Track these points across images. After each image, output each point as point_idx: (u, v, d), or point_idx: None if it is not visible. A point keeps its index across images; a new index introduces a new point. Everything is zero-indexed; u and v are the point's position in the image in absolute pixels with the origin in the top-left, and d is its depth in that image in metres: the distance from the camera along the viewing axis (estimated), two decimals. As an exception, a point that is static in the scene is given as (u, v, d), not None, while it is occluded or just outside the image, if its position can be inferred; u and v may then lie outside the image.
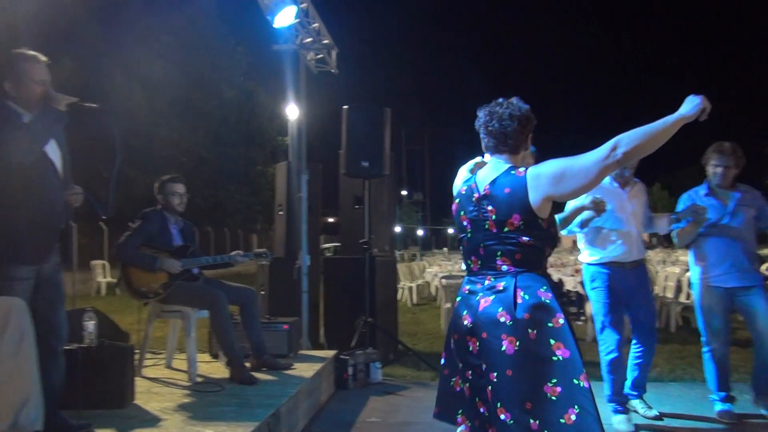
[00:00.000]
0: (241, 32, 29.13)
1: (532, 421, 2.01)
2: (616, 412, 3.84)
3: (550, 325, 2.05)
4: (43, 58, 2.75)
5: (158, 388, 3.84)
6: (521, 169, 2.18)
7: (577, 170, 2.03)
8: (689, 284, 7.81)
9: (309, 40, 6.40)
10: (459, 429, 2.28)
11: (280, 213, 6.63)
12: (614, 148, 1.97)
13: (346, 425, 3.94)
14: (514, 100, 2.29)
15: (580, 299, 7.36)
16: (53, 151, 2.75)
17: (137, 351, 3.91)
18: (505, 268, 2.16)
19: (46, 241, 2.70)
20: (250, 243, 28.66)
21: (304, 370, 4.32)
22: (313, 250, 6.33)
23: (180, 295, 4.13)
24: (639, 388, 4.04)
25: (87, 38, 17.92)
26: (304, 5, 5.98)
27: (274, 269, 6.26)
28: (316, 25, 6.41)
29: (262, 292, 6.29)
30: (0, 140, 2.55)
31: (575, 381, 2.00)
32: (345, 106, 5.79)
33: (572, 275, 7.97)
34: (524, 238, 2.13)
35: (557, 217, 3.91)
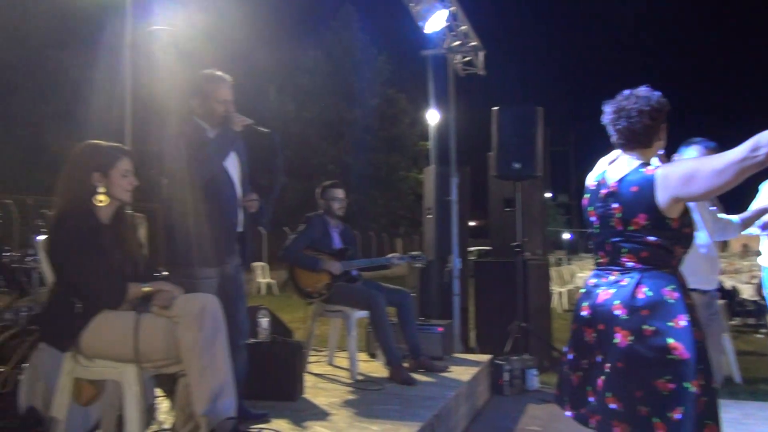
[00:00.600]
0: (383, 41, 29.93)
1: (641, 407, 2.01)
2: None
3: (669, 324, 2.01)
4: (228, 78, 2.99)
5: (323, 384, 4.02)
6: (651, 167, 2.11)
7: (709, 171, 1.93)
8: None
9: (457, 43, 6.40)
10: (566, 414, 2.32)
11: (429, 216, 6.70)
12: (755, 149, 1.82)
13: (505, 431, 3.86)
14: (641, 90, 2.17)
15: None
16: (232, 164, 2.98)
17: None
18: (630, 264, 2.14)
19: (227, 245, 2.93)
20: (395, 247, 29.29)
21: (460, 373, 4.31)
22: (462, 254, 6.32)
23: (341, 296, 4.29)
24: None
25: (248, 59, 19.37)
26: (452, 9, 5.99)
27: (424, 272, 6.32)
28: (464, 27, 6.40)
29: (413, 295, 6.38)
30: (188, 154, 2.80)
31: (685, 384, 1.97)
32: (495, 108, 5.71)
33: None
34: (650, 238, 2.09)
35: (739, 216, 3.59)
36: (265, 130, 3.04)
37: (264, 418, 3.03)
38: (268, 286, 14.42)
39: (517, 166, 5.55)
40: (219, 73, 2.99)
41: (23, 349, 2.69)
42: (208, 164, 2.82)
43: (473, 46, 6.84)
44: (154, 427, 2.81)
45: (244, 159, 3.12)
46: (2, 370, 2.66)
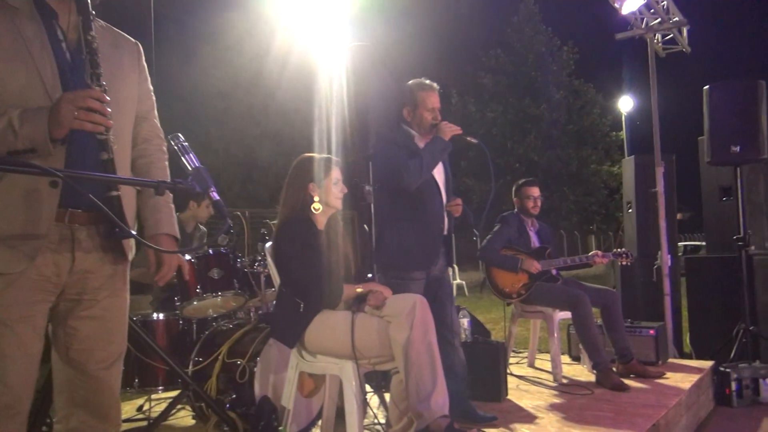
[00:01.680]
0: (567, 31, 28.71)
1: None
2: None
3: None
4: (435, 86, 3.08)
5: (526, 386, 3.93)
6: None
7: None
8: None
9: (656, 21, 5.90)
10: None
11: (630, 211, 6.25)
12: None
13: (738, 447, 3.45)
14: None
15: None
16: (437, 170, 3.06)
17: (503, 348, 4.07)
18: None
19: (433, 248, 3.03)
20: (588, 244, 27.87)
21: (678, 380, 3.94)
22: (672, 249, 5.79)
23: (541, 296, 4.17)
24: None
25: (429, 66, 19.87)
26: (651, -16, 5.54)
27: (626, 271, 5.91)
28: (664, 3, 5.87)
29: (618, 294, 6.00)
30: (399, 162, 2.91)
31: None
32: (705, 87, 5.15)
33: None
34: None
35: None
36: (474, 140, 3.08)
37: (492, 422, 3.04)
38: (458, 287, 14.57)
39: (735, 149, 4.95)
40: (427, 81, 3.10)
41: (256, 344, 2.99)
42: (419, 173, 2.91)
43: (676, 21, 6.25)
44: (367, 420, 2.97)
45: (447, 165, 3.20)
46: (239, 362, 2.99)
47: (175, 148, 1.48)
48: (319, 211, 2.56)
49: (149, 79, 1.85)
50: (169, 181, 1.46)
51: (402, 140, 3.03)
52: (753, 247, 5.34)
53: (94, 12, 1.64)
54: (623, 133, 22.44)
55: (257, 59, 17.37)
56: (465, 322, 3.64)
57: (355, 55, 3.59)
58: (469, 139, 3.04)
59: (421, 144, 3.04)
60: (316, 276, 2.44)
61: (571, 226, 27.83)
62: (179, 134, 1.52)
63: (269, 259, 2.76)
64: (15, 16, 1.57)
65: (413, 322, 2.28)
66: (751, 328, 4.78)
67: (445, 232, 3.13)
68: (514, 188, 4.49)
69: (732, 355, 4.67)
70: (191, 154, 1.48)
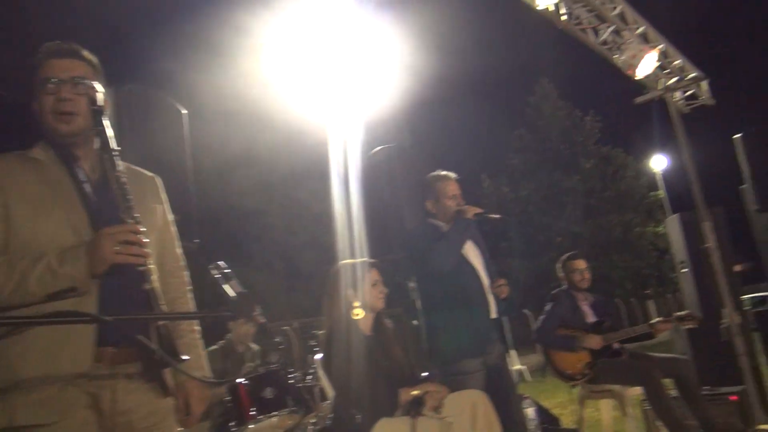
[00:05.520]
0: (587, 101, 29.19)
1: None
2: None
3: None
4: (453, 175, 3.18)
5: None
6: None
7: None
8: None
9: (674, 80, 5.96)
10: None
11: (684, 271, 6.03)
12: None
13: None
14: None
15: None
16: (473, 254, 3.05)
17: (577, 435, 3.84)
18: None
19: (484, 332, 2.94)
20: (647, 310, 26.73)
21: (774, 447, 3.62)
22: (737, 305, 5.50)
23: (607, 373, 3.96)
24: None
25: (460, 155, 20.35)
26: (661, 46, 5.64)
27: (693, 334, 5.62)
28: (678, 62, 5.96)
29: (688, 360, 5.67)
30: (428, 252, 2.94)
31: None
32: (737, 135, 5.09)
33: None
34: None
35: None
36: (496, 215, 3.09)
37: None
38: (520, 372, 13.98)
39: (780, 193, 4.81)
40: (444, 172, 3.20)
41: (315, 462, 2.88)
42: (446, 256, 2.92)
43: (693, 77, 6.31)
44: None
45: (484, 247, 3.19)
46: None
47: (217, 276, 1.51)
48: (361, 316, 2.54)
49: (169, 210, 1.91)
50: (211, 311, 1.47)
51: (429, 231, 3.06)
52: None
53: (117, 150, 1.71)
54: (662, 192, 22.14)
55: (290, 176, 18.06)
56: (531, 411, 3.47)
57: (381, 158, 3.71)
58: (491, 216, 3.07)
59: None
60: (368, 384, 2.38)
61: (627, 294, 26.87)
62: (220, 262, 1.55)
63: (320, 372, 2.71)
64: (39, 167, 1.66)
65: (475, 421, 2.18)
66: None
67: (494, 315, 3.05)
68: (559, 264, 4.40)
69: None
70: (233, 281, 1.50)
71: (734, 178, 5.34)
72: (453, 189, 3.16)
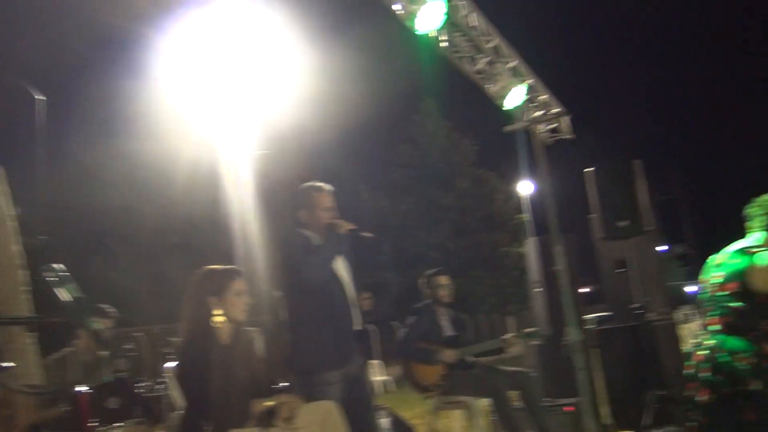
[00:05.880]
0: (466, 124, 30.53)
1: None
2: None
3: (742, 389, 2.30)
4: (328, 187, 3.19)
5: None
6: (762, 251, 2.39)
7: None
8: None
9: (539, 113, 6.42)
10: None
11: (537, 290, 6.49)
12: None
13: None
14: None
15: None
16: (341, 267, 3.10)
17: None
18: (715, 327, 2.47)
19: (346, 344, 2.99)
20: (507, 325, 28.33)
21: (600, 454, 3.99)
22: (580, 324, 6.01)
23: (459, 385, 4.18)
24: None
25: (340, 164, 20.44)
26: (530, 81, 6.07)
27: (541, 349, 6.05)
28: (544, 97, 6.43)
29: (534, 374, 6.09)
30: (299, 264, 2.94)
31: None
32: (587, 169, 5.59)
33: None
34: (735, 305, 2.39)
35: None
36: (368, 234, 3.16)
37: None
38: (384, 383, 14.26)
39: (623, 224, 5.34)
40: (320, 183, 3.20)
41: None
42: (318, 269, 2.94)
43: (556, 112, 6.83)
44: None
45: (351, 260, 3.24)
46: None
47: (50, 279, 1.43)
48: (221, 324, 2.50)
49: (11, 202, 1.78)
50: (37, 317, 1.40)
51: (300, 242, 3.05)
52: (653, 314, 5.65)
53: None
54: (527, 216, 23.67)
55: (163, 171, 17.23)
56: (386, 422, 3.57)
57: (260, 162, 3.67)
58: (363, 234, 3.12)
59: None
60: (220, 395, 2.35)
61: (490, 309, 28.34)
62: (54, 264, 1.47)
63: (171, 380, 2.63)
64: None
65: (325, 431, 2.22)
66: (661, 393, 4.97)
67: (357, 327, 3.11)
68: (423, 280, 4.57)
69: (646, 422, 4.80)
70: (69, 284, 1.42)
71: (587, 207, 5.83)
72: (328, 201, 3.17)
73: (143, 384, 3.29)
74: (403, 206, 27.01)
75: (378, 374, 15.64)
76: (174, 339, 3.01)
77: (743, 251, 2.46)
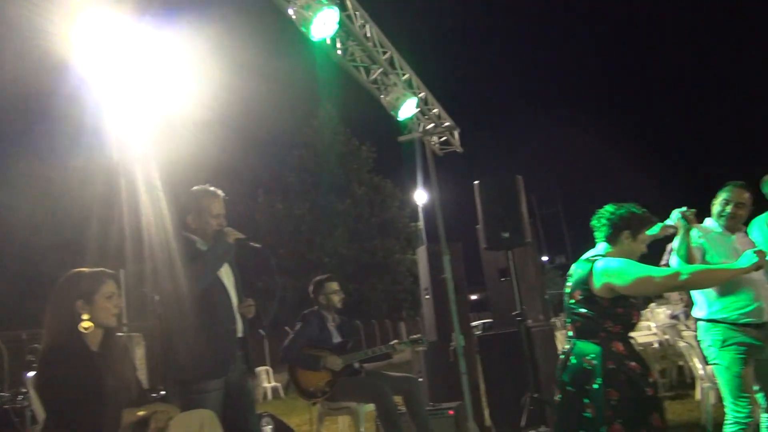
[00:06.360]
0: (362, 132, 30.89)
1: None
2: None
3: (586, 387, 2.50)
4: (220, 193, 3.09)
5: (337, 487, 3.86)
6: (598, 259, 2.61)
7: (638, 277, 2.44)
8: None
9: (431, 125, 6.63)
10: None
11: (427, 297, 6.66)
12: (677, 275, 2.40)
13: None
14: (610, 207, 2.74)
15: None
16: (225, 274, 3.02)
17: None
18: (570, 333, 2.69)
19: (227, 352, 2.92)
20: (399, 331, 28.86)
21: (477, 456, 4.15)
22: (465, 330, 6.23)
23: (345, 391, 4.20)
24: None
25: (235, 167, 19.96)
26: (422, 95, 6.25)
27: (428, 354, 6.21)
28: (436, 110, 6.65)
29: (420, 379, 6.24)
30: (182, 268, 2.84)
31: None
32: (476, 181, 5.83)
33: None
34: (582, 310, 2.60)
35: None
36: (257, 245, 3.11)
37: None
38: (274, 390, 14.05)
39: (505, 235, 5.59)
40: (212, 188, 3.10)
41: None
42: (202, 276, 2.85)
43: (447, 126, 7.08)
44: None
45: (236, 267, 3.16)
46: None
47: None
48: (89, 330, 2.36)
49: None
50: None
51: (184, 247, 2.95)
52: (530, 321, 5.97)
53: None
54: (420, 224, 24.31)
55: (41, 165, 16.03)
56: (268, 429, 3.52)
57: (143, 164, 3.52)
58: (252, 244, 3.07)
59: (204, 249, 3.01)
60: (87, 406, 2.21)
61: (383, 315, 28.76)
62: None
63: (32, 391, 2.45)
64: None
65: (200, 441, 2.16)
66: (535, 396, 5.25)
67: (240, 335, 3.05)
68: (312, 286, 4.56)
69: (523, 423, 5.05)
70: None
71: (476, 218, 6.05)
72: (218, 208, 3.08)
73: (3, 395, 3.05)
74: (298, 211, 26.80)
75: (266, 381, 15.43)
76: (38, 346, 2.81)
77: (588, 260, 2.68)
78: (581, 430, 2.48)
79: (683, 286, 3.01)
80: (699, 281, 2.64)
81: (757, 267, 2.41)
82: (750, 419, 3.07)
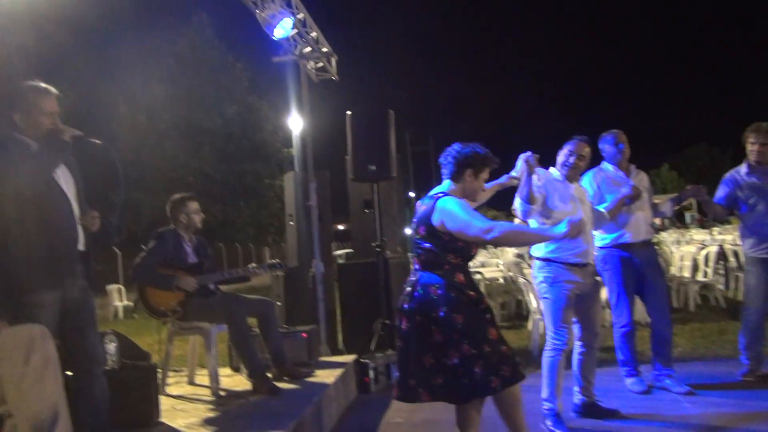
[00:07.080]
0: (239, 48, 29.41)
1: (411, 381, 2.75)
2: (629, 375, 4.23)
3: (433, 315, 2.70)
4: (53, 90, 2.78)
5: (183, 405, 3.86)
6: (441, 197, 2.79)
7: (462, 222, 2.67)
8: (705, 262, 7.82)
9: (308, 49, 6.43)
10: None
11: (291, 223, 6.67)
12: (489, 231, 2.61)
13: (371, 428, 3.95)
14: (456, 145, 2.90)
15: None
16: (65, 179, 2.78)
17: (159, 370, 3.93)
18: (416, 266, 2.86)
19: (65, 265, 2.72)
20: (263, 256, 28.76)
21: (325, 376, 4.34)
22: (326, 258, 6.35)
23: (198, 312, 4.15)
24: (668, 366, 4.22)
25: (84, 67, 18.19)
26: (300, 16, 6.01)
27: (288, 279, 6.27)
28: (314, 34, 6.45)
29: (278, 303, 6.31)
30: (11, 171, 2.58)
31: (444, 358, 2.68)
32: (348, 112, 5.81)
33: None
34: (426, 245, 2.79)
35: (601, 208, 4.03)
36: (98, 141, 2.87)
37: None
38: (126, 308, 13.56)
39: (372, 168, 5.68)
40: (44, 85, 2.79)
41: None
42: (32, 178, 2.60)
43: (325, 52, 6.91)
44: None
45: (78, 175, 2.92)
46: None
47: None
48: None
49: None
50: None
51: (13, 147, 2.67)
52: (389, 252, 6.20)
53: None
54: (294, 150, 23.97)
55: None
56: (111, 347, 3.41)
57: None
58: (92, 141, 2.83)
59: None
60: None
61: (248, 239, 28.45)
62: None
63: None
64: None
65: (29, 357, 2.05)
66: (386, 322, 5.54)
67: (81, 248, 2.85)
68: (169, 205, 4.37)
69: (372, 347, 5.33)
70: None
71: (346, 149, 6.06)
72: (52, 106, 2.79)
73: None
74: (162, 125, 25.29)
75: (117, 300, 14.82)
76: None
77: (431, 197, 2.85)
78: (431, 353, 2.70)
79: (493, 242, 3.39)
80: (509, 240, 3.06)
81: (567, 236, 2.71)
82: (565, 346, 3.50)
